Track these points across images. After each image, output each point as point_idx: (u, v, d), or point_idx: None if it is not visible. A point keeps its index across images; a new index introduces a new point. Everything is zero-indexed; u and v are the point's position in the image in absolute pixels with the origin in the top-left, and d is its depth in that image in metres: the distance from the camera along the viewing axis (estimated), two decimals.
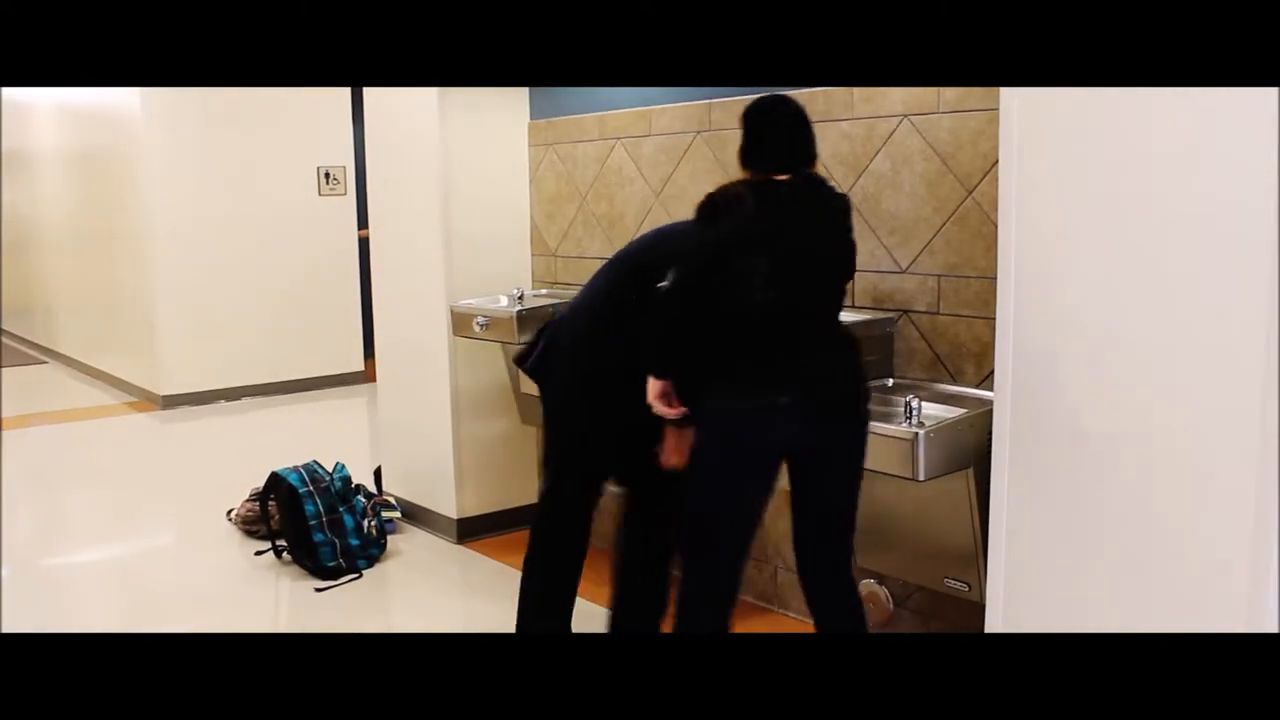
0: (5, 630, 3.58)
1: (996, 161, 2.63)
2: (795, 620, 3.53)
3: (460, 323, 4.09)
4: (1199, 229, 1.77)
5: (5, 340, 10.88)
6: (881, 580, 3.17)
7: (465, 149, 4.27)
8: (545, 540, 3.07)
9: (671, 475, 3.02)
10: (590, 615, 3.25)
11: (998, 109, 2.13)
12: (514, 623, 3.10)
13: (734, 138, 3.52)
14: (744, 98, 3.46)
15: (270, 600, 3.99)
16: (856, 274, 3.17)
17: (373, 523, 4.20)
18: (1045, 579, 2.05)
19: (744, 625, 3.53)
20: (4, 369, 9.20)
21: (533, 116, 4.40)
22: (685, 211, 3.68)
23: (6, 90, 9.63)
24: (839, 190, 2.63)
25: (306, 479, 4.14)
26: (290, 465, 4.21)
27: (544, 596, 3.06)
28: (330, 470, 4.25)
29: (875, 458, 2.55)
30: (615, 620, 3.08)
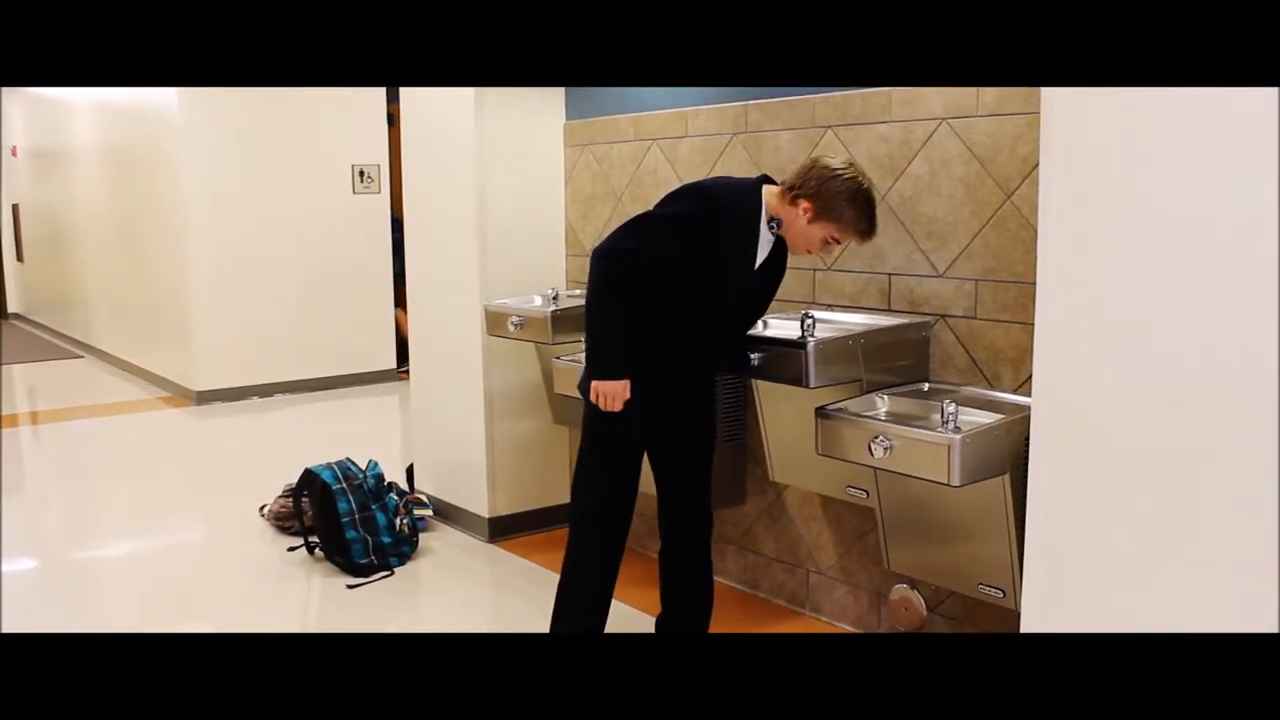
0: (42, 625, 3.65)
1: (1036, 165, 2.63)
2: (827, 624, 3.54)
3: (494, 322, 4.13)
4: (1245, 234, 1.76)
5: (42, 334, 11.04)
6: (914, 585, 3.18)
7: (501, 149, 4.31)
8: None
9: (698, 474, 3.10)
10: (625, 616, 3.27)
11: (1037, 112, 2.14)
12: (546, 621, 3.12)
13: (770, 139, 3.55)
14: (781, 100, 3.49)
15: (302, 597, 4.03)
16: (893, 277, 3.20)
17: (405, 520, 4.24)
18: (1082, 586, 2.05)
19: (776, 629, 3.55)
20: (39, 363, 9.35)
21: (568, 117, 4.43)
22: None
23: (45, 88, 9.77)
24: None
25: (340, 476, 4.18)
26: (324, 462, 4.27)
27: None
28: (363, 468, 4.29)
29: (911, 462, 2.56)
30: (662, 624, 3.23)
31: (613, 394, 2.83)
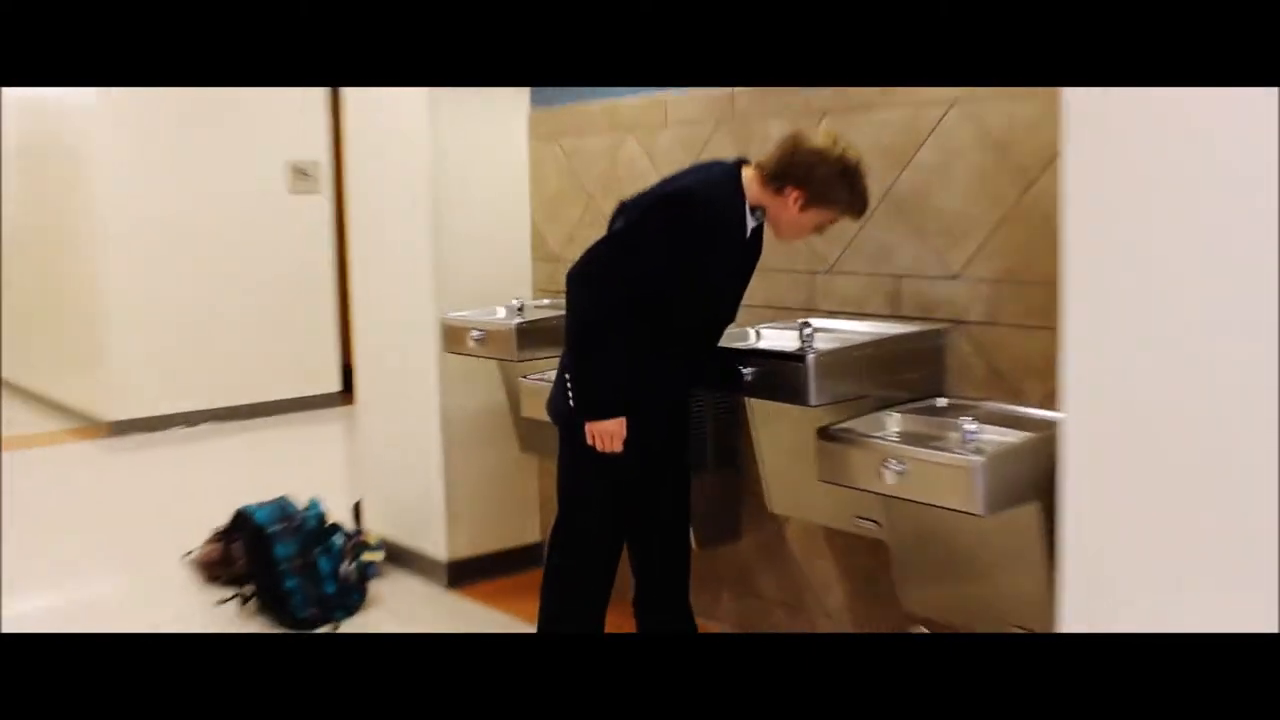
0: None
1: (1058, 152, 2.65)
2: None
3: (452, 337, 4.12)
4: None
5: None
6: (934, 628, 3.17)
7: (458, 143, 4.31)
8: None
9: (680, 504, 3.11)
10: None
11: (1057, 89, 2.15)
12: None
13: (760, 128, 3.56)
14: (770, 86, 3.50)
15: None
16: (901, 280, 3.21)
17: (352, 566, 4.22)
18: (1127, 625, 2.05)
19: None
20: None
21: (534, 105, 4.44)
22: None
23: None
24: None
25: (276, 517, 4.16)
26: (258, 501, 4.24)
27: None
28: (303, 507, 4.27)
29: (929, 489, 2.56)
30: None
31: (611, 434, 2.84)
